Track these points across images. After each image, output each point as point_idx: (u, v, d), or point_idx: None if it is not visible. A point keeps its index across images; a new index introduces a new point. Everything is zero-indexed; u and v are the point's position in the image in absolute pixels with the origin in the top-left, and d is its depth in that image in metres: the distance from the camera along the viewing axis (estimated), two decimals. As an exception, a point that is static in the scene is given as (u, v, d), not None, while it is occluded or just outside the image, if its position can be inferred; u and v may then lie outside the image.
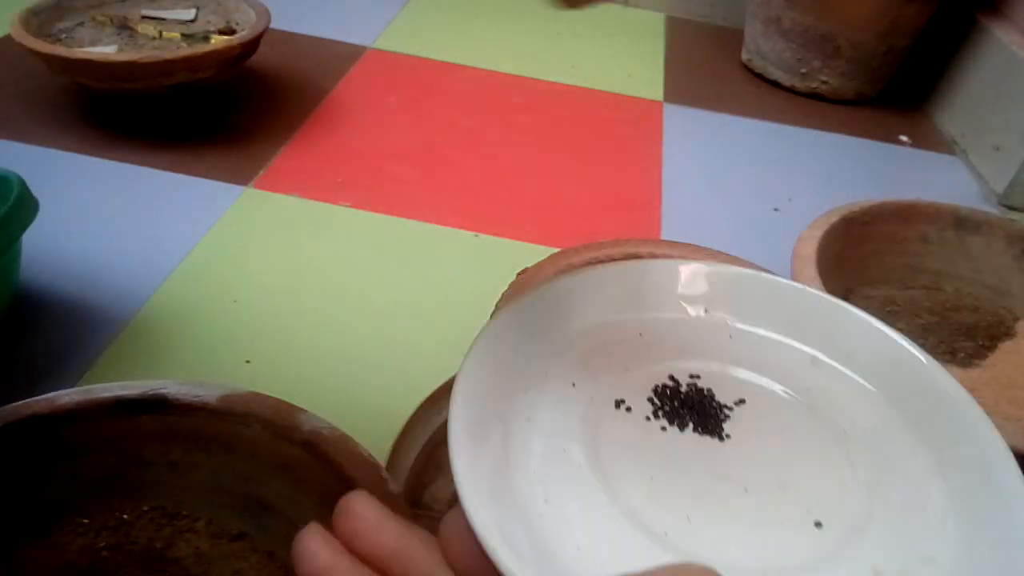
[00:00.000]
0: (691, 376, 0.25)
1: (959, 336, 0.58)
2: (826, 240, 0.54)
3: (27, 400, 0.34)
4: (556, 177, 0.75)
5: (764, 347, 0.25)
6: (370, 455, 0.34)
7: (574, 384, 0.24)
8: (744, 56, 1.03)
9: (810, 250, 0.52)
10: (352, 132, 0.77)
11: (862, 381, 0.24)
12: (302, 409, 0.35)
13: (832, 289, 0.50)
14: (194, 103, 0.73)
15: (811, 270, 0.50)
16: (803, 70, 0.95)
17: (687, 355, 0.25)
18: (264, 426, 0.35)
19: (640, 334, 0.25)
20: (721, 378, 0.25)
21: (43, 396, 0.34)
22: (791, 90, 0.97)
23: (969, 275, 0.62)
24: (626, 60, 1.00)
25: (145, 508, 0.36)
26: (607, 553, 0.18)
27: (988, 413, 0.46)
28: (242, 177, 0.68)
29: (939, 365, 0.24)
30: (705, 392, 0.24)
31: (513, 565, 0.18)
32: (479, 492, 0.20)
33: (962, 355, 0.56)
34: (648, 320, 0.26)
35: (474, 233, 0.65)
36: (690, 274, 0.26)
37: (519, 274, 0.42)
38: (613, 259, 0.44)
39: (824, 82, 0.95)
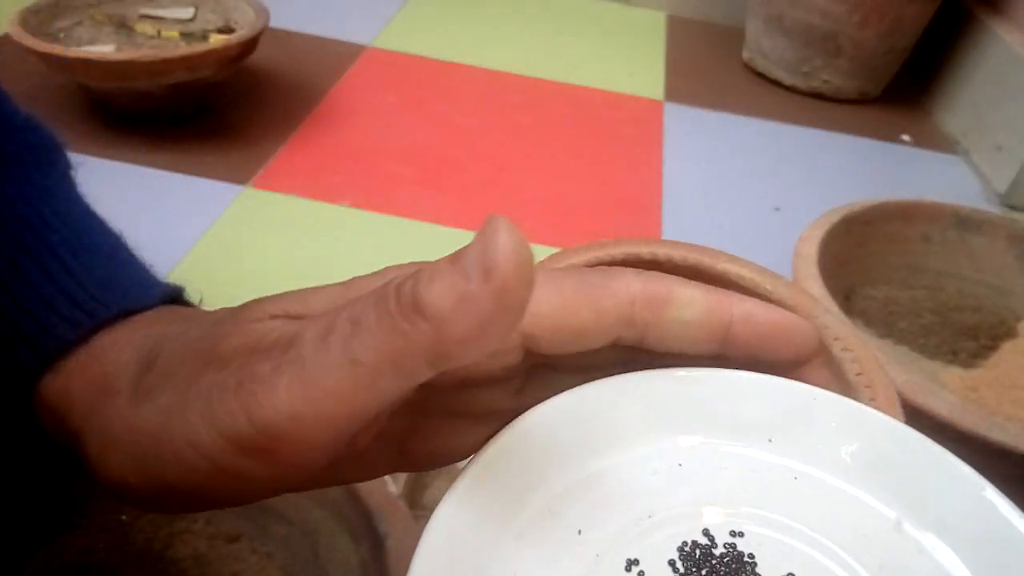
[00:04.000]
0: (732, 533, 0.19)
1: (961, 336, 0.57)
2: (828, 240, 0.53)
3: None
4: (556, 176, 0.74)
5: (836, 501, 0.19)
6: (369, 457, 0.33)
7: (580, 531, 0.18)
8: (745, 55, 1.03)
9: (811, 249, 0.52)
10: (351, 131, 0.76)
11: (954, 561, 0.18)
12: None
13: (834, 289, 0.50)
14: (193, 102, 0.73)
15: (812, 269, 0.50)
16: (805, 69, 0.95)
17: (733, 501, 0.19)
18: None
19: (680, 465, 0.20)
20: (771, 540, 0.19)
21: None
22: (792, 89, 0.97)
23: (971, 275, 0.62)
24: (627, 59, 1.00)
25: (143, 511, 0.36)
26: None
27: (990, 414, 0.46)
28: (241, 176, 0.68)
29: None
30: (746, 559, 0.19)
31: None
32: None
33: (964, 355, 0.56)
34: (693, 448, 0.20)
35: (474, 232, 0.65)
36: (755, 390, 0.20)
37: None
38: (614, 259, 0.44)
39: (826, 81, 0.95)
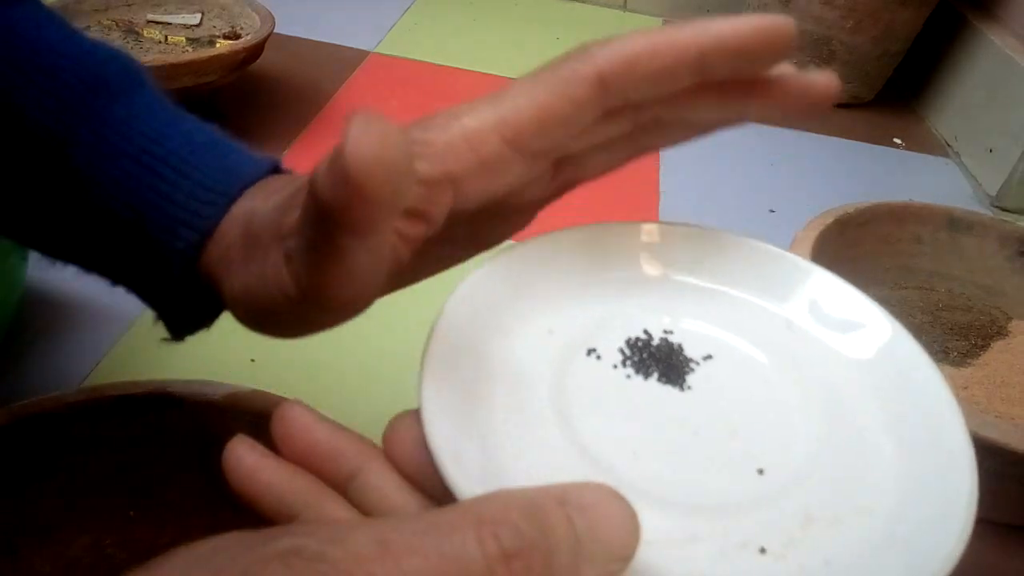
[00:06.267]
0: (665, 331, 0.26)
1: (952, 336, 0.58)
2: (821, 241, 0.54)
3: (34, 398, 0.33)
4: (555, 179, 0.75)
5: (742, 309, 0.27)
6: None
7: (551, 331, 0.25)
8: (741, 60, 1.03)
9: (805, 251, 0.52)
10: (354, 135, 0.77)
11: (831, 345, 0.25)
12: (306, 406, 0.36)
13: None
14: (199, 107, 0.74)
15: (805, 270, 0.51)
16: (799, 73, 0.96)
17: (665, 312, 0.26)
18: (268, 424, 0.35)
19: (625, 289, 0.27)
20: (694, 335, 0.26)
21: (50, 394, 0.34)
22: (788, 93, 0.98)
23: (962, 275, 0.62)
24: (625, 64, 1.01)
25: (150, 506, 0.36)
26: (553, 480, 0.18)
27: (981, 411, 0.46)
28: (245, 180, 0.68)
29: (906, 331, 0.25)
30: (675, 346, 0.25)
31: (460, 482, 0.19)
32: (440, 408, 0.21)
33: (955, 354, 0.57)
34: (633, 277, 0.27)
35: (474, 235, 0.66)
36: (679, 238, 0.28)
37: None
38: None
39: (820, 85, 0.95)
